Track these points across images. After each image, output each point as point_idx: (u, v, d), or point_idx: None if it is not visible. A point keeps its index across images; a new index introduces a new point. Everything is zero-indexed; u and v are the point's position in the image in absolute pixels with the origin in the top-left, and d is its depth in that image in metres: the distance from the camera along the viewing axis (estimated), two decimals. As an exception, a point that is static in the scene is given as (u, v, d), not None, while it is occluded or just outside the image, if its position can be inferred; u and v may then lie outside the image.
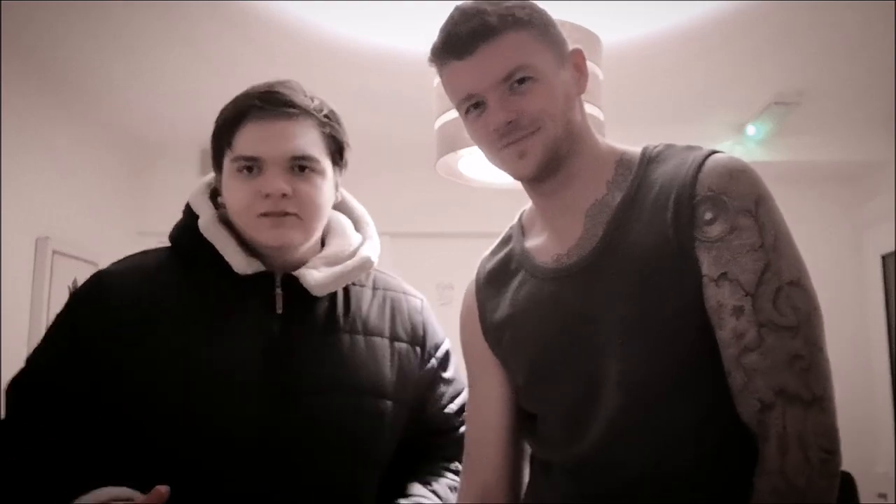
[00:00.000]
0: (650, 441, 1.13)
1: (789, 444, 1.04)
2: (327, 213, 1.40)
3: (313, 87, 1.42)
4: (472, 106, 1.20)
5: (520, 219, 1.37)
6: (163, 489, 1.13)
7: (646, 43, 3.24)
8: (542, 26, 1.20)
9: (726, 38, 3.22)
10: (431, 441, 1.47)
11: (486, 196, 2.55)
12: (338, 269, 1.38)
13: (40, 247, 3.51)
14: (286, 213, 1.32)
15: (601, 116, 2.06)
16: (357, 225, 1.51)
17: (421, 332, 1.47)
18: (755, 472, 1.06)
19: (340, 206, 1.51)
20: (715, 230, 1.11)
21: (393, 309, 1.46)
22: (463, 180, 2.30)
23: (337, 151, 1.40)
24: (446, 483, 1.43)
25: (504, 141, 1.19)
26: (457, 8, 1.20)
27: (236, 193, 1.34)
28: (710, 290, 1.10)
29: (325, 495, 1.28)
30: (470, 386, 1.39)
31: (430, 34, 1.21)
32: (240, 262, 1.33)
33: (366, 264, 1.42)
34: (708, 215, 1.12)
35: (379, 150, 4.32)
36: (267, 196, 1.30)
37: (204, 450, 1.25)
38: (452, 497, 1.40)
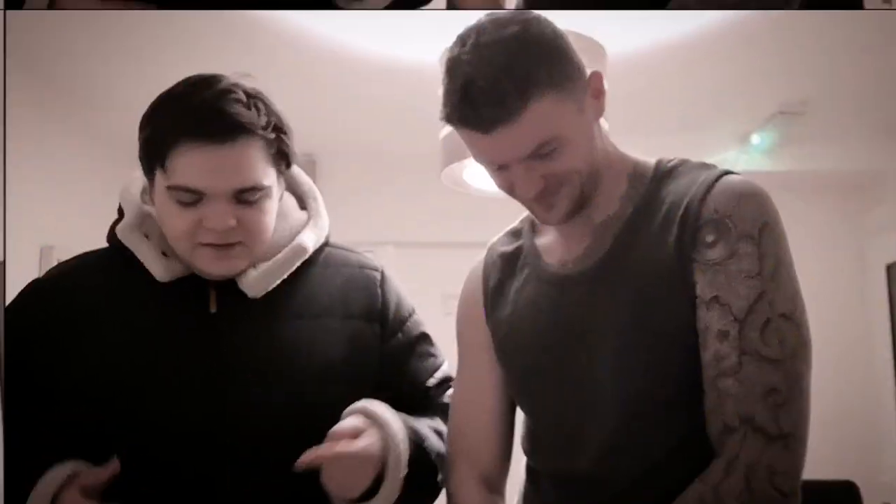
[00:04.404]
0: (642, 456, 1.12)
1: (736, 468, 1.02)
2: (272, 226, 1.31)
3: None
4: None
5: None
6: (115, 464, 1.14)
7: (651, 53, 3.24)
8: (561, 78, 1.10)
9: (731, 49, 3.23)
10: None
11: (491, 206, 2.54)
12: (268, 265, 1.29)
13: (45, 256, 3.52)
14: (231, 244, 1.24)
15: (606, 126, 2.06)
16: (303, 201, 1.42)
17: (379, 307, 1.37)
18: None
19: (287, 184, 1.41)
20: (714, 253, 1.09)
21: (347, 286, 1.37)
22: (468, 190, 2.30)
23: (285, 163, 1.29)
24: (427, 422, 1.35)
25: (531, 200, 1.18)
26: (468, 79, 1.06)
27: (173, 221, 1.23)
28: (700, 312, 1.09)
29: (272, 482, 1.24)
30: (461, 371, 1.36)
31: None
32: (158, 270, 1.27)
33: (298, 253, 1.32)
34: (709, 238, 1.10)
35: (384, 159, 4.33)
36: (209, 228, 1.22)
37: (147, 441, 1.22)
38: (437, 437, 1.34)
